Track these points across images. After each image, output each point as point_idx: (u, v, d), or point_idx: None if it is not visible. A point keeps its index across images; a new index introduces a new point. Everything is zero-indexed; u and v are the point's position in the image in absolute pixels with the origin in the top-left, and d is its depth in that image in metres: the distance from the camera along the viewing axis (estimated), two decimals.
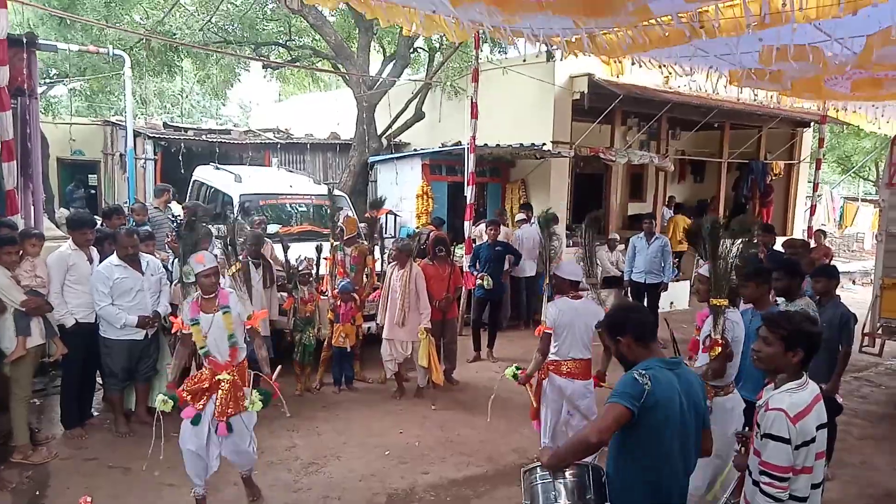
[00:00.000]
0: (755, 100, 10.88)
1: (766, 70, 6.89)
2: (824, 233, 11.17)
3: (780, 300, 4.56)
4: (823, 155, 13.14)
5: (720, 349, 3.79)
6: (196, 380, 4.12)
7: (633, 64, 7.93)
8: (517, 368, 4.77)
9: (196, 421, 4.00)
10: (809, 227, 11.44)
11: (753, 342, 2.86)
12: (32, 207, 6.74)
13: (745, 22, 5.57)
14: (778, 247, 7.38)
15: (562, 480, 2.61)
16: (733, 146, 12.79)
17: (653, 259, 8.51)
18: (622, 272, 9.22)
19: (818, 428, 2.63)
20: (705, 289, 4.04)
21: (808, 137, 14.03)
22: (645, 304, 8.77)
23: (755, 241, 6.56)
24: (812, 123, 13.16)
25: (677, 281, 10.50)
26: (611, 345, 2.74)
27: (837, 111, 10.10)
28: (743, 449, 3.01)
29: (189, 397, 4.02)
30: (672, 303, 10.41)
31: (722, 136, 12.74)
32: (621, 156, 10.69)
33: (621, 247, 9.86)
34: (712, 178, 13.91)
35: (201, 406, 4.03)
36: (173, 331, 4.15)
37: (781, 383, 2.70)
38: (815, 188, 12.32)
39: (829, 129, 14.19)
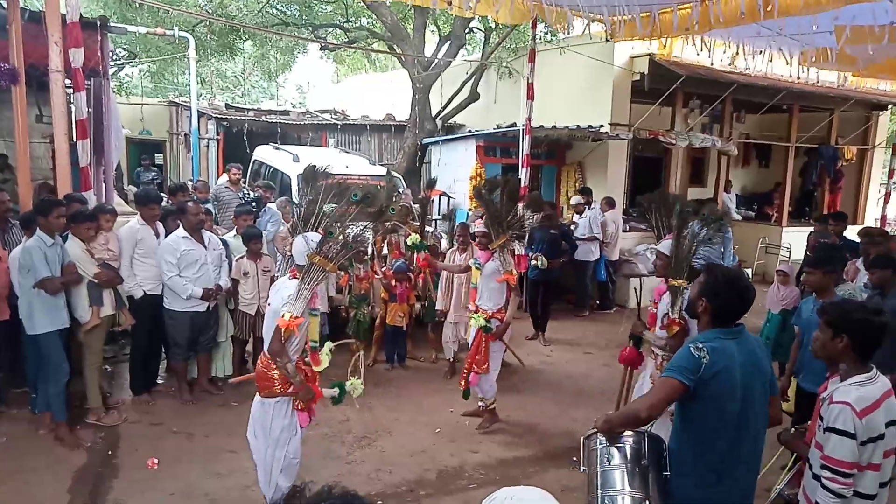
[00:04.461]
0: (827, 81, 10.36)
1: (839, 51, 6.56)
2: None
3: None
4: None
5: (678, 328, 3.96)
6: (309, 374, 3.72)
7: (691, 45, 7.66)
8: (487, 321, 5.03)
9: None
10: (883, 216, 10.87)
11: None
12: (104, 184, 7.07)
13: None
14: (852, 236, 7.04)
15: (619, 445, 2.63)
16: (802, 130, 12.22)
17: (711, 246, 8.26)
18: None
19: (888, 424, 2.53)
20: (662, 265, 4.21)
21: (885, 121, 13.27)
22: None
23: (828, 230, 6.30)
24: (890, 106, 12.44)
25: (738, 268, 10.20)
26: (695, 294, 2.69)
27: None
28: (795, 428, 3.01)
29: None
30: None
31: (790, 119, 12.18)
32: (682, 139, 10.36)
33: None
34: (779, 163, 13.35)
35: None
36: (285, 330, 3.44)
37: (847, 376, 2.61)
38: (890, 175, 11.67)
39: None
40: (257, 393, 3.76)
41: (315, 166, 4.17)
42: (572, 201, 8.95)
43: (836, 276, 4.43)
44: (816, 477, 2.58)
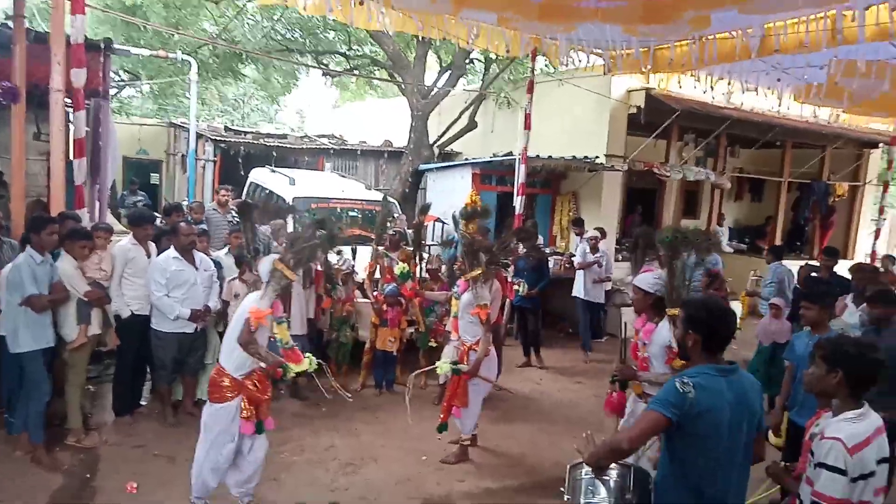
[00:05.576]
0: (819, 118, 10.52)
1: (833, 87, 6.67)
2: (893, 258, 10.51)
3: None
4: (892, 177, 12.56)
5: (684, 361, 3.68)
6: (261, 386, 3.95)
7: (687, 78, 7.79)
8: (455, 364, 4.97)
9: (260, 428, 3.97)
10: (873, 252, 10.92)
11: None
12: (98, 203, 7.07)
13: (815, 38, 5.41)
14: (843, 271, 7.06)
15: (604, 478, 2.60)
16: (795, 165, 12.36)
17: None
18: None
19: (879, 462, 2.51)
20: (639, 299, 4.05)
21: (876, 158, 13.43)
22: None
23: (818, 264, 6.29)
24: (881, 144, 12.60)
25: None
26: (681, 331, 2.68)
27: None
28: (784, 464, 2.96)
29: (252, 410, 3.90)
30: None
31: (783, 154, 12.32)
32: (676, 172, 10.46)
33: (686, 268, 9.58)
34: (771, 197, 13.47)
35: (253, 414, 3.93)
36: (254, 321, 3.78)
37: (839, 411, 2.59)
38: (880, 211, 11.77)
39: None
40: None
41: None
42: (589, 234, 8.76)
43: (831, 310, 4.44)
44: None
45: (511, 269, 7.96)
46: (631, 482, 2.57)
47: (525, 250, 7.75)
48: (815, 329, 4.31)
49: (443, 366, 5.02)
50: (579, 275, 8.51)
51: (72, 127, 5.85)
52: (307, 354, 4.12)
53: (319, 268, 6.64)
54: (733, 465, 2.54)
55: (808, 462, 2.63)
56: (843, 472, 2.44)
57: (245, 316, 3.80)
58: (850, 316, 5.36)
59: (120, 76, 14.87)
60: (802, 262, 8.00)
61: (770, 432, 4.40)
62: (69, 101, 5.93)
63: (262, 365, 3.87)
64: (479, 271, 5.01)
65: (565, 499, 2.70)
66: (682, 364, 3.69)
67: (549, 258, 8.85)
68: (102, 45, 7.19)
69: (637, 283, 4.10)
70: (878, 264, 9.21)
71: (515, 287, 7.53)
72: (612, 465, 2.59)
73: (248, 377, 3.89)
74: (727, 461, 2.51)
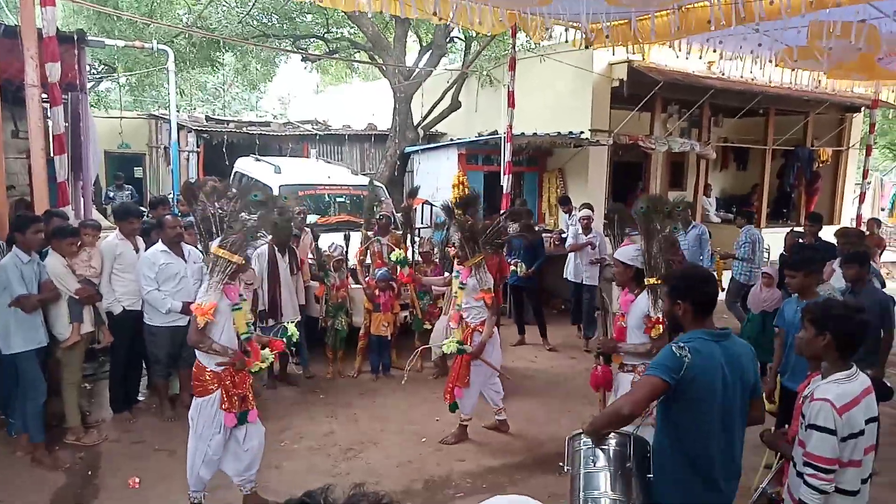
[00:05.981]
0: (801, 85, 10.53)
1: (813, 49, 6.66)
2: (878, 222, 10.56)
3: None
4: (874, 141, 12.64)
5: (662, 327, 3.79)
6: (236, 380, 3.84)
7: (669, 48, 7.75)
8: (461, 344, 5.00)
9: (243, 419, 3.90)
10: (858, 216, 11.03)
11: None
12: (82, 199, 6.99)
13: (793, 2, 5.41)
14: (828, 236, 7.14)
15: (603, 447, 2.63)
16: (778, 132, 12.41)
17: (690, 248, 8.33)
18: None
19: (868, 421, 2.57)
20: (621, 272, 4.09)
21: (859, 122, 13.52)
22: None
23: (803, 230, 6.37)
24: (862, 108, 12.67)
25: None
26: (669, 304, 2.76)
27: (892, 91, 9.71)
28: (776, 431, 3.02)
29: (232, 401, 3.82)
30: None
31: (766, 122, 12.36)
32: (661, 144, 10.48)
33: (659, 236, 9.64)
34: (756, 165, 13.54)
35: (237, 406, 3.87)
36: (199, 318, 3.61)
37: (828, 374, 2.65)
38: (864, 175, 11.86)
39: (881, 113, 13.59)
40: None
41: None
42: (581, 214, 8.59)
43: (817, 276, 4.49)
44: (800, 474, 2.61)
45: (505, 249, 8.00)
46: (630, 450, 2.61)
47: (518, 229, 7.73)
48: (802, 295, 4.37)
49: (450, 344, 5.05)
50: (570, 256, 8.30)
51: (50, 123, 5.74)
52: (291, 332, 4.15)
53: (311, 256, 6.64)
54: (727, 428, 2.58)
55: (800, 424, 2.68)
56: (832, 432, 2.50)
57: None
58: (837, 280, 5.43)
59: (96, 69, 14.60)
60: (788, 230, 8.07)
61: (764, 398, 4.47)
62: (45, 96, 5.83)
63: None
64: (481, 257, 5.05)
65: (565, 470, 2.73)
66: (659, 333, 3.78)
67: (542, 236, 8.84)
68: (76, 37, 7.05)
69: (618, 257, 4.14)
70: (863, 228, 9.32)
71: (513, 268, 7.52)
72: (612, 434, 2.62)
73: (226, 370, 3.80)
74: (721, 425, 2.56)
